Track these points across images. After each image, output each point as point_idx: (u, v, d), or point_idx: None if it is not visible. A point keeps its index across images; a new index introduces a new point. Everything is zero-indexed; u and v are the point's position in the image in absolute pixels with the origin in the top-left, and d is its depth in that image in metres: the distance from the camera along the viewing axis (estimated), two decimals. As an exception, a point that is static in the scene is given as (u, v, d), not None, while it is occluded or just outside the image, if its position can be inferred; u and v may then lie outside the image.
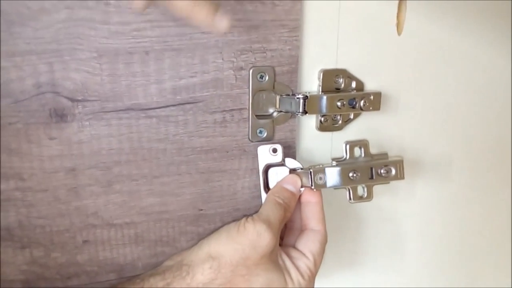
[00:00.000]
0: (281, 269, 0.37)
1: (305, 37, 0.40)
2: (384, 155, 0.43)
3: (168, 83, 0.37)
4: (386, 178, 0.42)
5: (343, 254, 0.50)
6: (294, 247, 0.40)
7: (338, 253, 0.49)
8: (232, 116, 0.39)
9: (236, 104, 0.39)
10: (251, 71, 0.38)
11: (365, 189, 0.42)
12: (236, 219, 0.40)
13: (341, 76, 0.42)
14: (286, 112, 0.40)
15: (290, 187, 0.40)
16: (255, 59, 0.38)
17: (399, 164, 0.42)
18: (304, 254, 0.39)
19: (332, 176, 0.40)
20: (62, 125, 0.36)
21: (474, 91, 0.48)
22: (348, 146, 0.42)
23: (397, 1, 0.42)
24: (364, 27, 0.42)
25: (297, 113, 0.40)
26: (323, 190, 0.41)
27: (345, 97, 0.41)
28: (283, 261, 0.38)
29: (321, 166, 0.41)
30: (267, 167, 0.40)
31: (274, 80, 0.39)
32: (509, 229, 0.56)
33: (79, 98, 0.35)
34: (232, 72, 0.38)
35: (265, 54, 0.38)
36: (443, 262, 0.54)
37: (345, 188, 0.41)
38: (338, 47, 0.42)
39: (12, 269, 0.38)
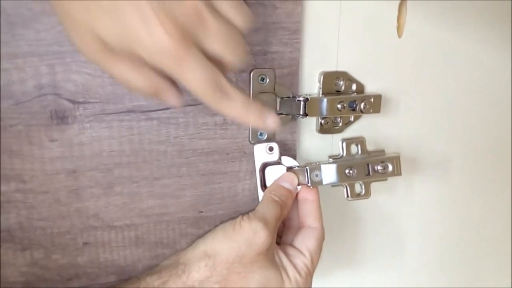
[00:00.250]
0: (277, 267, 0.37)
1: (305, 39, 0.40)
2: (381, 152, 0.43)
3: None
4: (383, 175, 0.42)
5: (341, 253, 0.49)
6: (291, 245, 0.40)
7: (337, 252, 0.49)
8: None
9: (237, 106, 0.39)
10: (251, 73, 0.39)
11: (363, 186, 0.42)
12: (236, 221, 0.40)
13: (341, 78, 0.42)
14: (287, 114, 0.40)
15: (286, 184, 0.40)
16: (255, 61, 0.38)
17: (395, 160, 0.42)
18: (301, 252, 0.39)
19: (328, 173, 0.40)
20: (63, 127, 0.36)
21: (474, 92, 0.48)
22: (344, 143, 0.42)
23: (398, 4, 0.42)
24: (365, 30, 0.42)
25: (297, 115, 0.40)
26: (321, 188, 0.41)
27: (345, 99, 0.41)
28: (280, 259, 0.38)
29: (317, 163, 0.41)
30: (264, 166, 0.40)
31: (275, 83, 0.39)
32: (509, 228, 0.56)
33: (80, 100, 0.35)
34: (233, 74, 0.38)
35: (265, 56, 0.39)
36: (443, 261, 0.54)
37: (342, 185, 0.41)
38: (338, 49, 0.42)
39: (13, 271, 0.38)
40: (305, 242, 0.39)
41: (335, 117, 0.43)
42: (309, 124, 0.43)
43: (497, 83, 0.49)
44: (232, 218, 0.41)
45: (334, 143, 0.44)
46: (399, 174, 0.42)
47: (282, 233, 0.42)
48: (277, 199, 0.38)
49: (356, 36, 0.42)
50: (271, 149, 0.40)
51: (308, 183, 0.40)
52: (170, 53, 0.25)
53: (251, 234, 0.36)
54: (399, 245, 0.51)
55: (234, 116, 0.30)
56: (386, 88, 0.44)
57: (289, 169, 0.41)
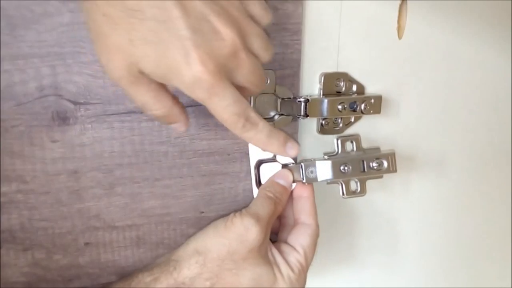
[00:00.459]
0: (270, 264, 0.37)
1: (306, 40, 0.40)
2: (376, 149, 0.43)
3: (170, 86, 0.37)
4: (378, 171, 0.42)
5: (337, 251, 0.49)
6: (285, 242, 0.40)
7: (333, 249, 0.49)
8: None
9: (238, 107, 0.39)
10: (252, 74, 0.39)
11: (358, 184, 0.42)
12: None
13: (342, 79, 0.42)
14: (288, 115, 0.41)
15: (281, 181, 0.40)
16: (256, 62, 0.38)
17: (391, 156, 0.42)
18: (294, 248, 0.39)
19: (323, 169, 0.40)
20: (64, 128, 0.36)
21: (475, 93, 0.48)
22: (339, 141, 0.42)
23: (398, 5, 0.42)
24: (365, 31, 0.42)
25: (298, 116, 0.40)
26: (317, 186, 0.41)
27: (346, 100, 0.41)
28: (273, 256, 0.38)
29: (312, 160, 0.41)
30: (259, 163, 0.40)
31: (276, 83, 0.39)
32: (509, 227, 0.56)
33: (82, 101, 0.36)
34: (234, 75, 0.38)
35: (266, 57, 0.39)
36: (439, 259, 0.54)
37: (338, 182, 0.41)
38: (339, 50, 0.42)
39: (14, 271, 0.38)
40: (299, 239, 0.39)
41: (336, 118, 0.43)
42: (310, 125, 0.43)
43: (497, 84, 0.49)
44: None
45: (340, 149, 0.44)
46: (395, 171, 0.42)
47: (278, 230, 0.42)
48: (271, 195, 0.38)
49: (357, 37, 0.42)
50: None
51: (303, 179, 0.40)
52: (205, 85, 0.27)
53: (242, 230, 0.36)
54: (395, 243, 0.51)
55: (257, 144, 0.34)
56: (387, 89, 0.44)
57: (284, 166, 0.41)
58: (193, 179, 0.40)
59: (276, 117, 0.41)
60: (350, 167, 0.41)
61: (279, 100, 0.40)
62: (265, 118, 0.40)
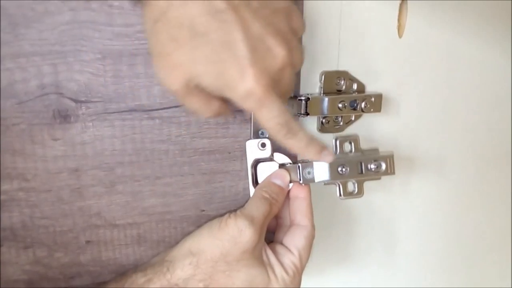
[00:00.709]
0: (264, 265, 0.37)
1: (306, 39, 0.40)
2: (375, 150, 0.43)
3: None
4: (376, 173, 0.42)
5: (334, 252, 0.49)
6: (281, 243, 0.40)
7: (330, 251, 0.49)
8: (234, 117, 0.40)
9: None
10: (253, 72, 0.39)
11: (356, 185, 0.42)
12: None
13: (342, 78, 0.42)
14: (288, 113, 0.41)
15: (278, 181, 0.40)
16: (257, 61, 0.39)
17: (389, 158, 0.42)
18: (289, 250, 0.39)
19: (320, 170, 0.40)
20: (65, 126, 0.36)
21: (475, 92, 0.48)
22: (338, 141, 0.42)
23: (398, 4, 0.42)
24: (365, 30, 0.42)
25: (298, 114, 0.40)
26: (314, 187, 0.41)
27: (346, 99, 0.41)
28: (268, 257, 0.38)
29: (309, 160, 0.41)
30: (256, 162, 0.40)
31: (276, 82, 0.40)
32: (509, 228, 0.56)
33: (83, 99, 0.36)
34: (235, 73, 0.38)
35: (267, 56, 0.39)
36: (438, 261, 0.54)
37: (335, 183, 0.41)
38: (339, 49, 0.42)
39: (15, 269, 0.38)
40: (294, 240, 0.39)
41: (336, 117, 0.43)
42: (310, 124, 0.43)
43: (497, 83, 0.49)
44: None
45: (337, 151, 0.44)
46: (393, 173, 0.42)
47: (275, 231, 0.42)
48: (267, 196, 0.38)
49: (357, 36, 0.42)
50: (263, 145, 0.40)
51: (300, 180, 0.40)
52: (256, 97, 0.30)
53: (236, 232, 0.36)
54: (394, 244, 0.51)
55: (296, 151, 0.36)
56: (387, 88, 0.44)
57: (282, 166, 0.40)
58: (194, 177, 0.40)
59: (277, 115, 0.41)
60: (348, 169, 0.41)
61: (279, 99, 0.40)
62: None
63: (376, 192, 0.48)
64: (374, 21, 0.42)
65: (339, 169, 0.41)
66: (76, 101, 0.36)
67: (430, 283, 0.55)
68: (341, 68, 0.42)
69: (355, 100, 0.41)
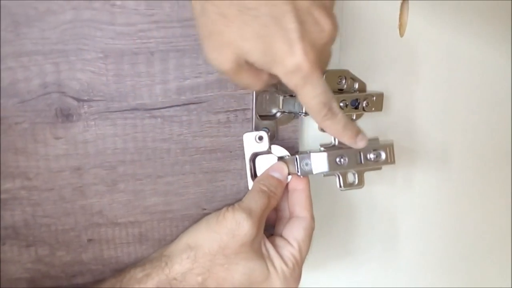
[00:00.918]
0: (263, 258, 0.37)
1: (308, 38, 0.40)
2: (375, 140, 0.42)
3: (172, 83, 0.37)
4: (376, 163, 0.41)
5: (335, 244, 0.49)
6: (280, 235, 0.40)
7: (331, 243, 0.49)
8: (236, 116, 0.40)
9: (240, 105, 0.39)
10: (254, 71, 0.39)
11: (356, 176, 0.41)
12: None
13: (343, 77, 0.42)
14: (289, 112, 0.41)
15: (276, 174, 0.39)
16: (259, 60, 0.39)
17: (389, 147, 0.41)
18: (288, 242, 0.39)
19: (318, 161, 0.40)
20: (68, 125, 0.36)
21: (476, 90, 0.48)
22: None
23: (400, 3, 0.42)
24: (367, 29, 0.42)
25: (300, 113, 0.40)
26: (315, 179, 0.41)
27: (347, 98, 0.41)
28: (267, 250, 0.38)
29: (307, 152, 0.40)
30: (254, 156, 0.40)
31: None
32: (509, 222, 0.56)
33: (85, 98, 0.36)
34: (236, 72, 0.38)
35: (268, 55, 0.39)
36: (439, 254, 0.54)
37: (335, 174, 0.41)
38: (341, 48, 0.42)
39: (17, 268, 0.38)
40: (293, 232, 0.39)
41: (337, 116, 0.43)
42: (312, 122, 0.43)
43: (497, 81, 0.49)
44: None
45: (336, 141, 0.44)
46: (393, 162, 0.41)
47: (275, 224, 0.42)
48: (265, 189, 0.38)
49: (358, 35, 0.42)
50: (260, 138, 0.40)
51: (298, 172, 0.40)
52: (303, 73, 0.30)
53: (234, 225, 0.36)
54: (394, 236, 0.51)
55: (333, 133, 0.35)
56: (388, 87, 0.44)
57: (280, 158, 0.40)
58: (196, 176, 0.40)
59: (278, 114, 0.41)
60: (347, 159, 0.40)
61: (281, 98, 0.40)
62: (267, 116, 0.41)
63: (377, 185, 0.48)
64: (375, 20, 0.42)
65: (338, 159, 0.40)
66: (78, 100, 0.36)
67: (431, 277, 0.55)
68: (342, 67, 0.42)
69: (357, 99, 0.41)
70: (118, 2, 0.34)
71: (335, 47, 0.41)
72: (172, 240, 0.40)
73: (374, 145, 0.41)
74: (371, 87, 0.44)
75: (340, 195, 0.47)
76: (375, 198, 0.49)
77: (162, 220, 0.40)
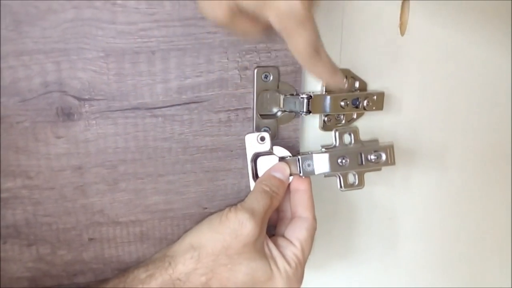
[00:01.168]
0: (266, 258, 0.37)
1: (309, 37, 0.40)
2: (375, 141, 0.43)
3: (173, 82, 0.37)
4: (376, 164, 0.41)
5: (336, 245, 0.50)
6: (283, 235, 0.40)
7: (332, 243, 0.49)
8: (237, 115, 0.40)
9: (241, 104, 0.40)
10: (255, 71, 0.39)
11: (356, 176, 0.42)
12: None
13: (344, 76, 0.42)
14: (290, 111, 0.41)
15: (278, 174, 0.40)
16: (259, 59, 0.39)
17: (389, 149, 0.42)
18: (291, 242, 0.39)
19: (320, 162, 0.40)
20: (69, 124, 0.36)
21: (477, 89, 0.48)
22: (337, 133, 0.41)
23: (400, 2, 0.42)
24: (368, 28, 0.42)
25: (301, 112, 0.40)
26: (315, 179, 0.41)
27: (348, 97, 0.41)
28: (270, 250, 0.38)
29: (309, 153, 0.40)
30: (256, 156, 0.40)
31: (279, 80, 0.40)
32: (510, 222, 0.56)
33: (86, 97, 0.36)
34: (237, 71, 0.38)
35: (269, 54, 0.39)
36: (439, 254, 0.54)
37: (336, 175, 0.41)
38: (341, 47, 0.42)
39: (19, 266, 0.38)
40: (295, 232, 0.39)
41: (338, 115, 0.43)
42: (312, 121, 0.43)
43: (497, 81, 0.49)
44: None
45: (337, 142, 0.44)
46: (393, 163, 0.42)
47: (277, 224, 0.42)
48: (267, 189, 0.38)
49: (359, 34, 0.42)
50: (262, 138, 0.40)
51: (300, 173, 0.40)
52: (296, 16, 0.29)
53: (236, 225, 0.36)
54: (395, 236, 0.51)
55: (315, 74, 0.34)
56: (389, 86, 0.44)
57: (281, 159, 0.40)
58: (196, 175, 0.40)
59: (279, 113, 0.41)
60: (348, 160, 0.40)
61: (281, 97, 0.40)
62: (267, 115, 0.41)
63: (378, 186, 0.48)
64: (376, 19, 0.42)
65: (339, 160, 0.40)
66: (79, 99, 0.36)
67: (431, 276, 0.55)
68: (343, 66, 0.42)
69: (357, 98, 0.41)
70: (119, 1, 0.34)
71: (335, 46, 0.42)
72: (173, 239, 0.41)
73: (375, 146, 0.42)
74: (372, 86, 0.44)
75: (340, 195, 0.47)
76: (376, 198, 0.49)
77: (163, 219, 0.40)
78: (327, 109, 0.41)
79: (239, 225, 0.36)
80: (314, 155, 0.40)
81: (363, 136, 0.43)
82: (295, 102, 0.40)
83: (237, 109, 0.39)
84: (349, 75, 0.42)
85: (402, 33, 0.43)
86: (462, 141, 0.50)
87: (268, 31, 0.33)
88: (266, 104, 0.40)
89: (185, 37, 0.36)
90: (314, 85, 0.42)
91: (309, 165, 0.40)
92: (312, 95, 0.40)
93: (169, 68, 0.37)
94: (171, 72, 0.37)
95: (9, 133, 0.35)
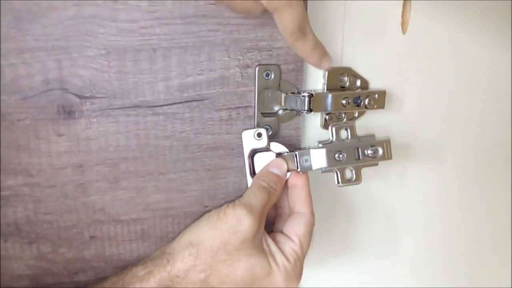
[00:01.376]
0: (265, 254, 0.37)
1: (310, 35, 0.40)
2: (371, 136, 0.43)
3: (175, 80, 0.37)
4: (373, 159, 0.41)
5: (335, 241, 0.50)
6: (281, 231, 0.40)
7: (330, 239, 0.49)
8: (238, 113, 0.40)
9: (242, 102, 0.39)
10: (257, 69, 0.39)
11: (353, 172, 0.41)
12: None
13: (346, 74, 0.42)
14: (291, 110, 0.41)
15: (275, 170, 0.39)
16: (261, 57, 0.39)
17: (386, 143, 0.41)
18: (289, 238, 0.39)
19: (317, 157, 0.40)
20: (70, 122, 0.36)
21: (478, 88, 0.48)
22: (334, 128, 0.41)
23: (402, 1, 0.42)
24: (369, 26, 0.42)
25: (302, 111, 0.40)
26: (313, 175, 0.41)
27: (350, 95, 0.41)
28: (268, 246, 0.38)
29: (306, 148, 0.40)
30: (253, 153, 0.40)
31: (280, 78, 0.40)
32: (509, 219, 0.56)
33: (87, 95, 0.36)
34: (238, 70, 0.38)
35: (271, 52, 0.39)
36: (437, 249, 0.54)
37: (333, 170, 0.41)
38: (343, 45, 0.42)
39: (20, 264, 0.38)
40: (294, 228, 0.39)
41: (340, 113, 0.43)
42: (314, 120, 0.43)
43: (499, 79, 0.49)
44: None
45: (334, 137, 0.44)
46: (390, 158, 0.42)
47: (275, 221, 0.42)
48: (265, 185, 0.38)
49: (361, 32, 0.42)
50: (259, 135, 0.40)
51: (297, 168, 0.40)
52: None
53: (235, 221, 0.36)
54: (393, 232, 0.51)
55: (302, 53, 0.36)
56: (390, 84, 0.44)
57: (279, 155, 0.40)
58: (198, 174, 0.40)
59: (280, 111, 0.41)
60: (345, 155, 0.40)
61: (283, 95, 0.40)
62: (269, 113, 0.40)
63: (375, 182, 0.48)
64: (377, 18, 0.42)
65: (336, 155, 0.40)
66: (80, 96, 0.36)
67: (429, 272, 0.55)
68: (344, 65, 0.42)
69: (359, 97, 0.41)
70: (121, -1, 0.34)
71: (337, 45, 0.42)
72: (174, 237, 0.40)
73: (371, 141, 0.42)
74: (373, 85, 0.44)
75: (338, 191, 0.47)
76: (374, 194, 0.49)
77: (164, 217, 0.40)
78: (329, 107, 0.41)
79: (237, 221, 0.36)
80: (311, 150, 0.40)
81: (364, 135, 0.43)
82: (297, 100, 0.40)
83: (238, 107, 0.39)
84: (350, 74, 0.42)
85: (404, 31, 0.43)
86: (462, 139, 0.50)
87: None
88: (267, 102, 0.40)
89: (187, 35, 0.36)
90: (315, 83, 0.42)
91: (306, 161, 0.40)
92: (313, 93, 0.40)
93: (170, 66, 0.37)
94: (172, 70, 0.37)
95: (10, 131, 0.35)
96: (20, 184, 0.36)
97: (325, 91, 0.41)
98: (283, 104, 0.40)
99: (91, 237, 0.39)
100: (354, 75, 0.42)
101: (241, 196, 0.39)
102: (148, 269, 0.37)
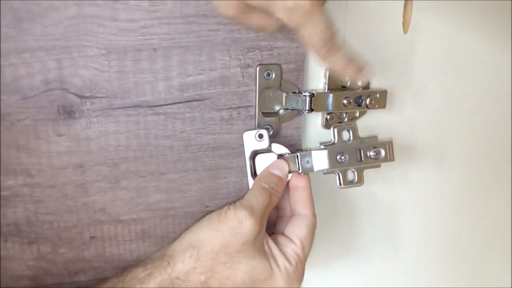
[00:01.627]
0: (266, 256, 0.37)
1: (311, 35, 0.40)
2: (374, 137, 0.42)
3: (175, 80, 0.37)
4: (375, 160, 0.41)
5: (336, 242, 0.49)
6: (282, 233, 0.40)
7: (332, 241, 0.49)
8: (239, 113, 0.40)
9: (243, 102, 0.39)
10: (258, 68, 0.39)
11: (355, 173, 0.41)
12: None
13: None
14: (292, 109, 0.41)
15: (277, 172, 0.39)
16: (262, 56, 0.38)
17: (388, 145, 0.41)
18: (291, 240, 0.38)
19: (319, 159, 0.40)
20: (70, 122, 0.36)
21: (480, 87, 0.48)
22: (336, 130, 0.41)
23: (403, 0, 0.42)
24: (370, 26, 0.42)
25: (303, 110, 0.40)
26: (315, 177, 0.40)
27: (351, 95, 0.41)
28: (270, 248, 0.38)
29: (308, 149, 0.40)
30: (254, 154, 0.40)
31: (281, 78, 0.39)
32: (509, 219, 0.56)
33: (87, 95, 0.36)
34: (239, 69, 0.38)
35: (272, 52, 0.39)
36: (439, 250, 0.54)
37: (335, 172, 0.41)
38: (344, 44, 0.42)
39: (20, 265, 0.38)
40: (295, 229, 0.39)
41: (341, 113, 0.43)
42: (315, 119, 0.43)
43: (499, 79, 0.49)
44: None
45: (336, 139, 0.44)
46: (392, 159, 0.41)
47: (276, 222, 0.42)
48: (266, 186, 0.38)
49: (362, 32, 0.42)
50: (260, 136, 0.39)
51: (299, 170, 0.40)
52: (303, 10, 0.30)
53: (236, 223, 0.35)
54: (394, 234, 0.51)
55: (337, 68, 0.34)
56: (392, 84, 0.44)
57: (280, 156, 0.40)
58: (198, 173, 0.40)
59: (281, 111, 0.41)
60: (347, 156, 0.40)
61: (284, 95, 0.40)
62: (270, 113, 0.40)
63: (377, 183, 0.48)
64: (379, 17, 0.42)
65: (338, 157, 0.40)
66: (80, 96, 0.35)
67: (431, 273, 0.55)
68: (345, 64, 0.42)
69: (360, 96, 0.41)
70: (121, -2, 0.34)
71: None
72: (174, 238, 0.40)
73: (374, 142, 0.41)
74: (374, 84, 0.44)
75: (340, 193, 0.47)
76: (376, 195, 0.49)
77: (165, 217, 0.40)
78: (330, 107, 0.40)
79: (238, 223, 0.35)
80: (312, 152, 0.40)
81: (366, 134, 0.43)
82: (298, 100, 0.40)
83: (239, 107, 0.39)
84: (351, 73, 0.42)
85: (405, 31, 0.43)
86: (463, 139, 0.50)
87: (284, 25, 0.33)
88: (268, 102, 0.40)
89: (187, 35, 0.36)
90: (316, 83, 0.42)
91: (307, 162, 0.40)
92: (314, 93, 0.39)
93: (171, 65, 0.37)
94: (172, 69, 0.37)
95: (10, 131, 0.35)
96: (20, 184, 0.36)
97: (326, 90, 0.41)
98: (284, 103, 0.40)
99: (92, 237, 0.39)
100: (355, 75, 0.42)
101: (242, 196, 0.38)
102: (148, 271, 0.37)
